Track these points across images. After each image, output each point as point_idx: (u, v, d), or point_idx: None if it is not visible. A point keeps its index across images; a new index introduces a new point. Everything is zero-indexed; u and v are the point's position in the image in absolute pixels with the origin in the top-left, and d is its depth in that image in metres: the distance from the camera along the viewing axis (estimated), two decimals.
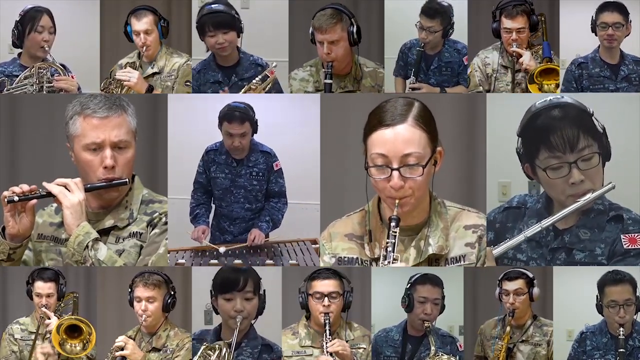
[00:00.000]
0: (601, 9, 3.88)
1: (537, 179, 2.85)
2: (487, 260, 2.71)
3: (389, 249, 2.55)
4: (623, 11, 3.87)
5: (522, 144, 2.85)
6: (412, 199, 2.55)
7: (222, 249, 4.03)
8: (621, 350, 3.41)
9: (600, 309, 3.53)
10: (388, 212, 2.61)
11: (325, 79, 3.71)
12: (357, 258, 2.69)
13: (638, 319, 3.52)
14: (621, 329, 3.43)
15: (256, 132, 4.22)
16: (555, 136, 2.74)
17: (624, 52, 3.95)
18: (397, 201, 2.53)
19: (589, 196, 2.77)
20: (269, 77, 3.78)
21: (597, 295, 3.53)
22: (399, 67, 4.17)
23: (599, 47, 3.95)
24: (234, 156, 4.26)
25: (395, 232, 2.55)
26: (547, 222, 2.83)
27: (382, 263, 2.57)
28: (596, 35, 3.91)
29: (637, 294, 3.47)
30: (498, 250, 2.83)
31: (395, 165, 2.50)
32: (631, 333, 3.49)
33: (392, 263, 2.54)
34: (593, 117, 2.79)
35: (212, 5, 3.86)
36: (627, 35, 3.90)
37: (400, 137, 2.50)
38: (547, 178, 2.77)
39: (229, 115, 4.13)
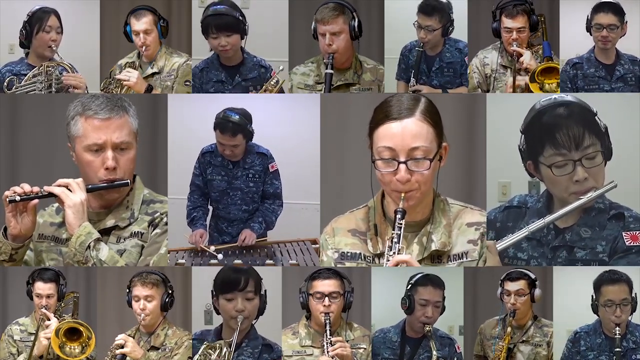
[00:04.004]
0: (596, 9, 3.84)
1: (539, 177, 2.86)
2: (491, 254, 2.72)
3: (395, 240, 2.56)
4: (618, 12, 3.82)
5: (526, 141, 2.86)
6: (417, 193, 2.56)
7: (212, 247, 4.02)
8: (617, 349, 3.42)
9: (595, 308, 3.54)
10: (392, 208, 2.62)
11: (327, 68, 3.71)
12: (360, 253, 2.70)
13: (632, 320, 3.52)
14: (617, 328, 3.44)
15: (251, 140, 4.18)
16: (561, 133, 2.76)
17: (620, 51, 3.92)
18: (402, 195, 2.55)
19: (592, 194, 2.78)
20: (276, 78, 3.80)
21: (592, 295, 3.54)
22: (400, 71, 4.10)
23: (594, 47, 3.91)
24: (229, 159, 4.25)
25: (401, 224, 2.56)
26: (550, 217, 2.84)
27: (387, 255, 2.58)
28: (591, 35, 3.88)
29: (633, 294, 3.48)
30: (502, 245, 2.83)
31: (402, 159, 2.52)
32: (625, 334, 3.49)
33: (398, 254, 2.55)
34: (596, 117, 2.81)
35: (217, 7, 3.83)
36: (623, 35, 3.86)
37: (407, 131, 2.53)
38: (552, 175, 2.79)
39: (221, 126, 4.09)
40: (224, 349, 3.33)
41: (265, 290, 3.46)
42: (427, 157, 2.53)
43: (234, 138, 4.10)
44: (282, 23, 4.05)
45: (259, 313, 3.45)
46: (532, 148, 2.83)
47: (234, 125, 4.07)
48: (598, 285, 3.50)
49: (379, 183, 2.63)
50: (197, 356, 3.34)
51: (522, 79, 3.71)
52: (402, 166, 2.52)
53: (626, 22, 3.84)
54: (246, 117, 4.11)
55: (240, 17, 3.85)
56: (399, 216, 2.56)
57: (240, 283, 3.40)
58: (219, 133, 4.12)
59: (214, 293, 3.45)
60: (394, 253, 2.56)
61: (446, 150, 2.62)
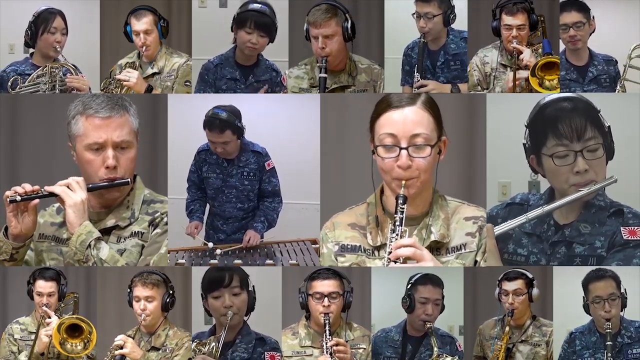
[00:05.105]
0: (559, 10, 3.80)
1: (541, 171, 2.90)
2: (489, 237, 2.75)
3: (397, 223, 2.59)
4: (582, 8, 3.77)
5: (530, 135, 2.90)
6: (418, 181, 2.60)
7: (217, 251, 4.03)
8: (608, 343, 3.42)
9: (587, 308, 3.55)
10: (391, 202, 2.67)
11: (320, 73, 3.70)
12: (360, 246, 2.73)
13: (625, 316, 3.53)
14: (608, 323, 3.45)
15: (242, 137, 4.17)
16: (563, 124, 2.80)
17: (594, 51, 3.87)
18: (403, 182, 2.59)
19: (592, 187, 2.80)
20: (283, 84, 3.83)
21: (583, 296, 3.54)
22: (405, 74, 3.99)
23: (565, 49, 3.86)
24: (222, 157, 4.25)
25: (403, 209, 2.59)
26: (549, 207, 2.88)
27: (390, 237, 2.60)
28: (559, 38, 3.82)
29: (622, 290, 3.49)
30: (500, 230, 2.88)
31: (403, 145, 2.57)
32: (619, 330, 3.50)
33: (401, 237, 2.58)
34: (600, 114, 2.84)
35: (262, 6, 3.84)
36: (592, 32, 3.81)
37: (409, 118, 2.58)
38: (553, 166, 2.82)
39: (209, 123, 4.09)
40: (213, 344, 3.37)
41: (253, 286, 3.47)
42: (428, 143, 2.58)
43: (222, 135, 4.09)
44: (282, 23, 4.05)
45: (250, 309, 3.47)
46: (536, 141, 2.86)
47: (220, 122, 4.06)
48: (586, 284, 3.51)
49: (379, 178, 2.67)
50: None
51: (523, 73, 3.68)
52: (404, 152, 2.57)
53: (593, 17, 3.79)
54: (234, 113, 4.10)
55: (276, 25, 3.88)
56: (400, 201, 2.59)
57: (225, 280, 3.43)
58: (207, 131, 4.12)
59: (204, 295, 3.48)
60: (397, 236, 2.59)
61: (445, 144, 2.67)
